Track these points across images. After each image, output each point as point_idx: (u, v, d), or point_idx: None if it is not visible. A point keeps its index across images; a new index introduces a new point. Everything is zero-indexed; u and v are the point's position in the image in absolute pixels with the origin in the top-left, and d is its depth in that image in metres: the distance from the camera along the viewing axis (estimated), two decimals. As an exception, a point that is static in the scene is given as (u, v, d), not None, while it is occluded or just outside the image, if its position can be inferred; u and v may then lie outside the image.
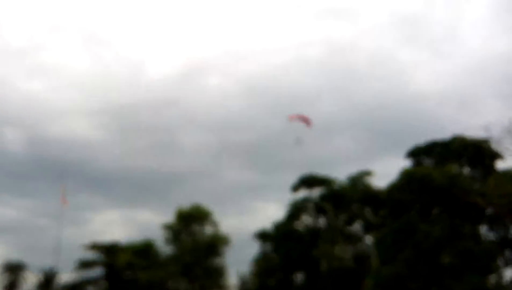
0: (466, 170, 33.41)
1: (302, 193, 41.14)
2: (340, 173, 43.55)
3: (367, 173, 38.40)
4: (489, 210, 29.90)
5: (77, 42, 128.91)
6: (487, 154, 32.27)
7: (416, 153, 34.94)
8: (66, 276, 69.46)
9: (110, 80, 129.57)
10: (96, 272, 68.86)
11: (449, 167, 30.43)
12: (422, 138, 35.17)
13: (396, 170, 31.20)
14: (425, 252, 27.07)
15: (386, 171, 53.68)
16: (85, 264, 68.34)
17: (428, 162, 34.34)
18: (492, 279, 28.12)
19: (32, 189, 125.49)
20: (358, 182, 38.01)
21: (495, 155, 31.91)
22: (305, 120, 20.67)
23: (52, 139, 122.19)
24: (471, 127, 29.37)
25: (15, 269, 74.22)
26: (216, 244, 48.67)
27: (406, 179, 30.43)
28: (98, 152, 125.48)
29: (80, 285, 66.80)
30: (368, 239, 36.51)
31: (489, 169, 32.02)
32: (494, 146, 29.71)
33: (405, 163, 34.13)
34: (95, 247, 70.03)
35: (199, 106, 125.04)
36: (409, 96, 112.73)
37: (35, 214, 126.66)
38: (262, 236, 41.88)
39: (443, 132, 36.68)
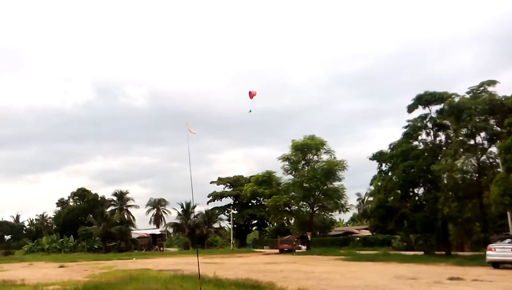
0: None
1: (419, 113, 39.64)
2: (461, 90, 40.77)
3: (491, 83, 35.25)
4: None
5: None
6: None
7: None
8: (201, 207, 77.70)
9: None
10: (226, 202, 75.97)
11: None
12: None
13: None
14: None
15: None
16: (216, 196, 75.56)
17: None
18: None
19: (160, 138, 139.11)
20: (480, 94, 35.24)
21: None
22: (252, 95, 22.47)
23: (171, 93, 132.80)
24: None
25: (158, 205, 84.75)
26: (333, 170, 49.87)
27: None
28: (213, 100, 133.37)
29: (214, 213, 74.21)
30: (493, 150, 34.24)
31: None
32: None
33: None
34: (223, 181, 76.63)
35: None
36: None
37: (167, 159, 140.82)
38: (379, 157, 41.60)
39: None
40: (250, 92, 23.23)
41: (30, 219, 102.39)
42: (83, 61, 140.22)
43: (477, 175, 34.67)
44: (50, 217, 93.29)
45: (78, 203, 79.67)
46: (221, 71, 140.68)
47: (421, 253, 38.93)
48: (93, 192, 79.66)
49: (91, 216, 69.22)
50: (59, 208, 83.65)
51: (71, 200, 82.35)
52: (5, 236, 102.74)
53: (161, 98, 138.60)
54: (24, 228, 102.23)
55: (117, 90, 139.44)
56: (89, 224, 68.83)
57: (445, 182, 34.91)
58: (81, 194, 79.18)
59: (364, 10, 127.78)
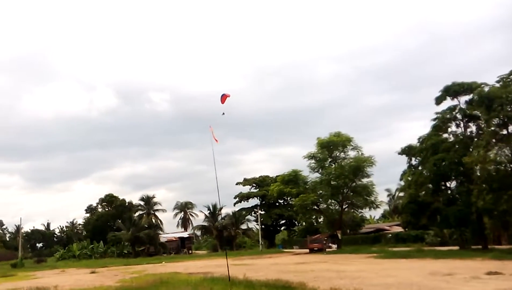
0: None
1: (447, 104, 38.61)
2: (490, 79, 39.36)
3: (522, 69, 33.93)
4: None
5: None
6: None
7: None
8: (228, 209, 77.39)
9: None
10: (253, 202, 75.56)
11: None
12: None
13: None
14: None
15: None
16: (242, 197, 75.30)
17: None
18: None
19: (185, 141, 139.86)
20: (511, 82, 33.93)
21: None
22: (224, 99, 21.71)
23: (193, 95, 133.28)
24: None
25: (185, 208, 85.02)
26: (361, 166, 48.92)
27: None
28: (236, 100, 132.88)
29: (241, 214, 73.90)
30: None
31: None
32: None
33: None
34: (249, 182, 76.31)
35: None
36: None
37: (192, 162, 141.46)
38: (408, 151, 40.61)
39: None
40: (222, 95, 22.77)
41: (60, 226, 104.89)
42: (106, 69, 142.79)
43: (511, 165, 33.43)
44: (80, 224, 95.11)
45: (107, 209, 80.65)
46: (242, 71, 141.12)
47: (456, 248, 37.82)
48: (121, 197, 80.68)
49: (119, 221, 69.95)
50: (88, 215, 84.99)
51: (99, 206, 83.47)
52: (37, 244, 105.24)
53: (184, 102, 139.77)
54: (55, 235, 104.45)
55: (140, 96, 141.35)
56: (118, 229, 69.54)
57: (478, 174, 33.83)
58: (109, 200, 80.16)
59: (386, 2, 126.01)
